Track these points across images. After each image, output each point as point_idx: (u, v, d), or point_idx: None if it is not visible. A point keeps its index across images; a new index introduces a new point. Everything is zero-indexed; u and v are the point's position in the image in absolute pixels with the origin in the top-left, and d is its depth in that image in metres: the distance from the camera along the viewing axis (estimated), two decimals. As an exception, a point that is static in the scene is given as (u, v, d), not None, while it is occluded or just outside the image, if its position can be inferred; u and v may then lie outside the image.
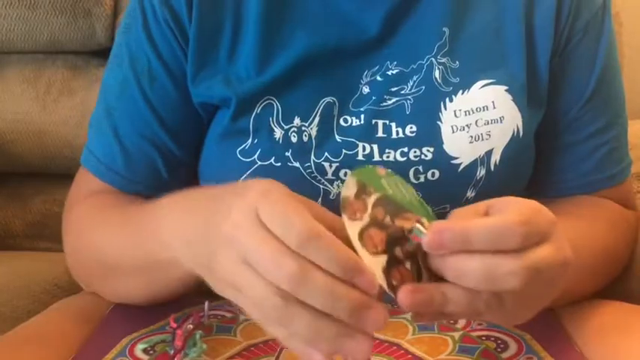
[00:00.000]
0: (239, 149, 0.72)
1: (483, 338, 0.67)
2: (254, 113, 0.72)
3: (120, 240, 0.70)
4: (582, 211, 0.75)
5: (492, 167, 0.73)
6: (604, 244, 0.73)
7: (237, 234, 0.51)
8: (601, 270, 0.74)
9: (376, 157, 0.72)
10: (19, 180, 1.19)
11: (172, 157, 0.76)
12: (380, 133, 0.72)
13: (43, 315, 0.77)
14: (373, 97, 0.72)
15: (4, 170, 1.18)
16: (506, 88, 0.73)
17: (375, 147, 0.72)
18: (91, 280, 0.77)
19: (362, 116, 0.72)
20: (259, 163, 0.72)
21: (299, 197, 0.53)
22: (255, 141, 0.72)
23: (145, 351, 0.68)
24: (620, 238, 0.77)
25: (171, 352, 0.64)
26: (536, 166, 0.78)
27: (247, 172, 0.72)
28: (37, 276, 0.87)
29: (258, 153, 0.72)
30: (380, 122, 0.72)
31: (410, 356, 0.64)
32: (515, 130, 0.73)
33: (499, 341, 0.66)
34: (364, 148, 0.72)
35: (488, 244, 0.50)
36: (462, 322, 0.70)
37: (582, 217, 0.73)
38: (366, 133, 0.72)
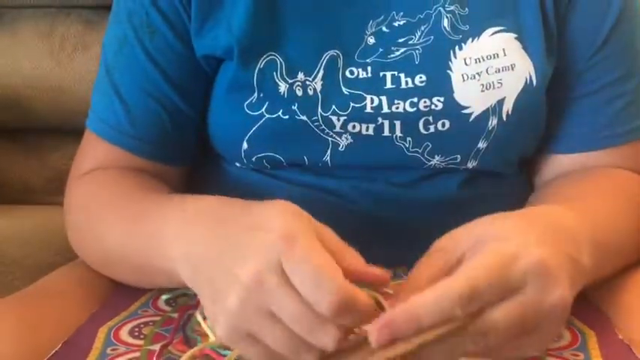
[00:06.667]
0: (246, 103, 0.72)
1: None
2: (257, 68, 0.71)
3: (122, 235, 0.68)
4: (600, 190, 0.72)
5: (504, 117, 0.72)
6: (628, 223, 0.70)
7: (259, 288, 0.50)
8: (628, 250, 0.70)
9: (385, 109, 0.71)
10: (36, 136, 1.20)
11: (177, 112, 0.75)
12: (389, 85, 0.71)
13: (67, 268, 0.78)
14: (380, 49, 0.72)
15: (22, 126, 1.18)
16: (515, 36, 0.72)
17: (384, 98, 0.71)
18: (91, 262, 0.75)
19: (369, 68, 0.71)
20: (267, 116, 0.71)
21: (322, 235, 0.52)
22: (261, 95, 0.71)
23: (167, 302, 0.69)
24: None
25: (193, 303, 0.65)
26: (549, 120, 0.76)
27: (256, 126, 0.72)
28: (60, 230, 0.88)
29: (265, 106, 0.71)
30: (388, 74, 0.71)
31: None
32: (528, 78, 0.72)
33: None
34: (372, 101, 0.71)
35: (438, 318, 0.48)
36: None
37: (601, 196, 0.71)
38: (374, 85, 0.71)
